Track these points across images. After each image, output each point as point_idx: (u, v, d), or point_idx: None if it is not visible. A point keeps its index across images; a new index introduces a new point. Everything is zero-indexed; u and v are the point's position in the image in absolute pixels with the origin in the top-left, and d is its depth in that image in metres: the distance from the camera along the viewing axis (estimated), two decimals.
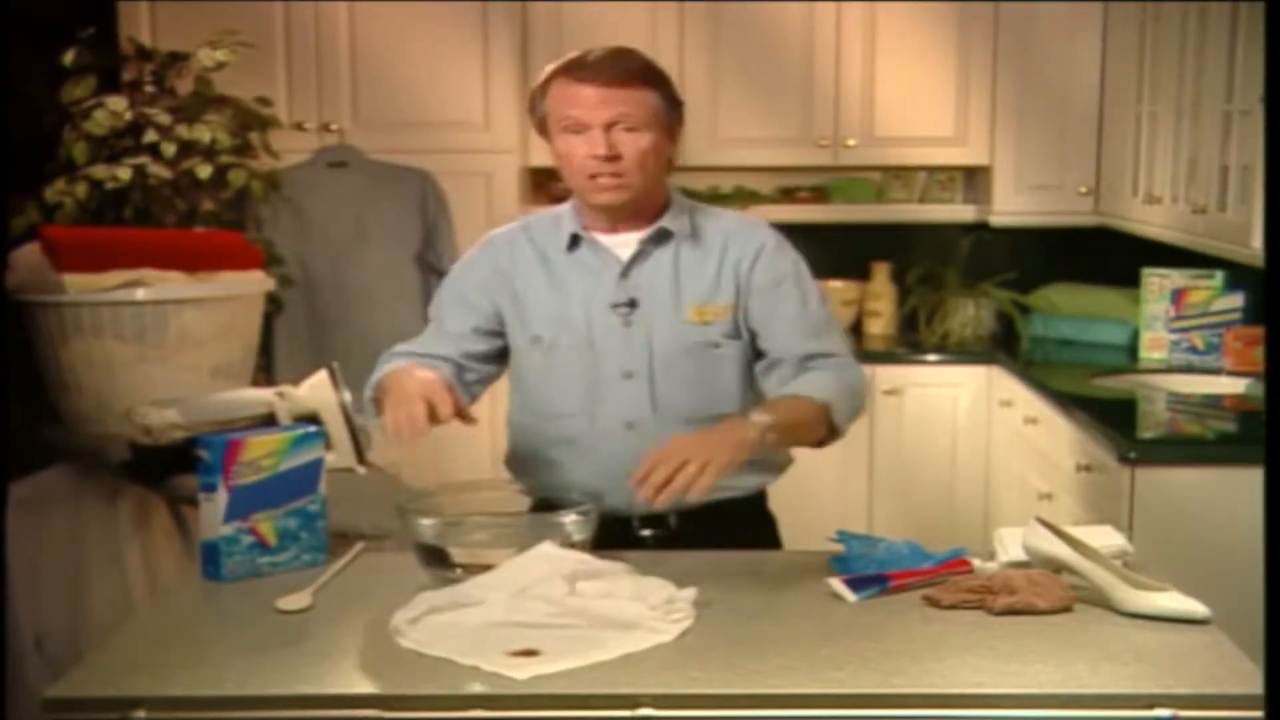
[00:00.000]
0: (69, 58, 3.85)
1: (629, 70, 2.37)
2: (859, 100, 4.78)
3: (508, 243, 2.54)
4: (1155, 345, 4.43)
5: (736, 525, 2.45)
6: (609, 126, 2.34)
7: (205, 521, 2.26)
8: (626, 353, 2.43)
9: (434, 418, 2.22)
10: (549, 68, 2.42)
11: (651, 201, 2.45)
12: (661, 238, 2.45)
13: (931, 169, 5.03)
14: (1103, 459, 3.41)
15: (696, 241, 2.46)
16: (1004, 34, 4.74)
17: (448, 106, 4.57)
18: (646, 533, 2.45)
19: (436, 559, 2.19)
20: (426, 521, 2.22)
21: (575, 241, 2.47)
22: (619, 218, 2.44)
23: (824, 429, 2.40)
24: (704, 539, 2.39)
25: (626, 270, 2.44)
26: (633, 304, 2.43)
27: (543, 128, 2.43)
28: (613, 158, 2.34)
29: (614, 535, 2.36)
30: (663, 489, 2.12)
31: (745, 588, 2.15)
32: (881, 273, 5.05)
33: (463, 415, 2.28)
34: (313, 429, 2.39)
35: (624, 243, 2.45)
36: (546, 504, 2.37)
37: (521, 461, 2.54)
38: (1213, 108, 3.74)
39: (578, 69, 2.36)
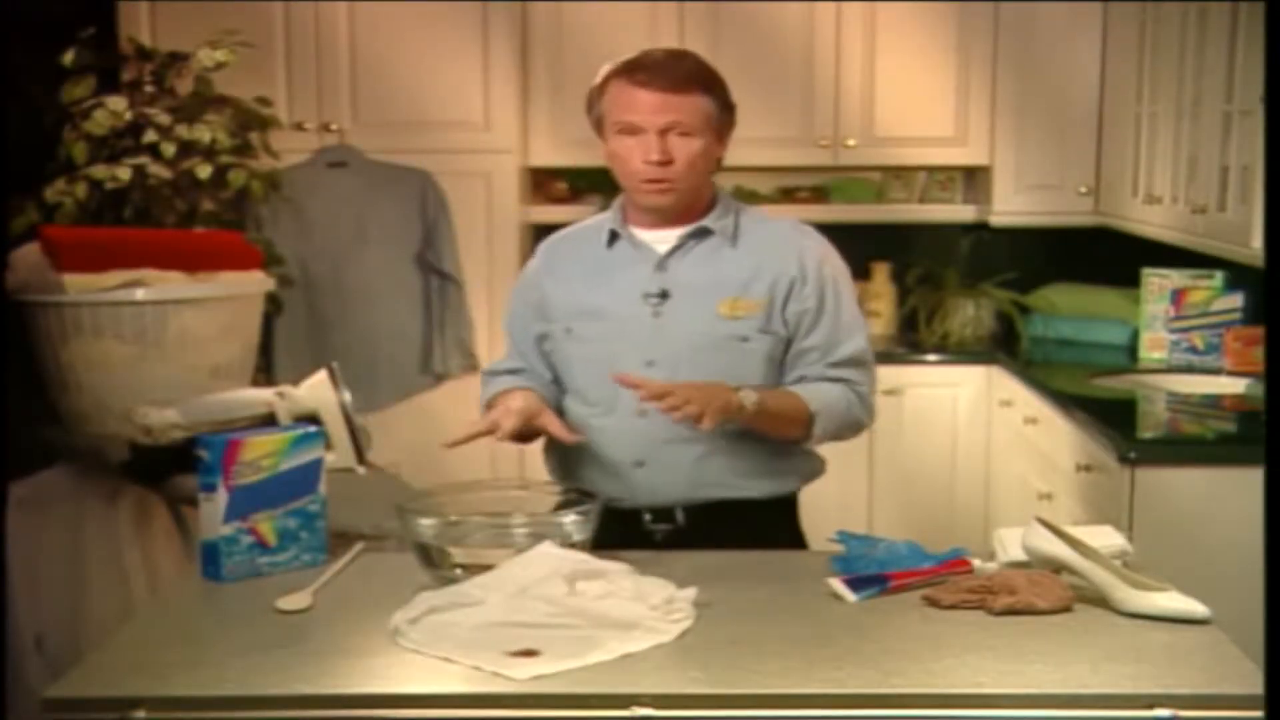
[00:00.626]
0: (69, 58, 3.84)
1: (686, 76, 2.38)
2: (859, 100, 4.78)
3: (548, 247, 2.61)
4: (1155, 345, 4.43)
5: (742, 525, 2.44)
6: (664, 131, 2.36)
7: (205, 521, 2.26)
8: (652, 342, 2.44)
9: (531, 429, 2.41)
10: (606, 67, 2.43)
11: (697, 200, 2.47)
12: (701, 235, 2.47)
13: (931, 169, 5.03)
14: (1103, 459, 3.41)
15: (738, 241, 2.48)
16: (1004, 34, 4.74)
17: (448, 106, 4.57)
18: (657, 527, 2.45)
19: (436, 559, 2.19)
20: (426, 521, 2.22)
21: (614, 238, 2.50)
22: (664, 216, 2.47)
23: (801, 433, 2.45)
24: (708, 537, 2.39)
25: (663, 262, 2.46)
26: (664, 295, 2.45)
27: (599, 126, 2.46)
28: (665, 163, 2.37)
29: (621, 530, 2.37)
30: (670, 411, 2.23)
31: (745, 588, 2.15)
32: (881, 273, 5.05)
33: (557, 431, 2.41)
34: (313, 429, 2.39)
35: (663, 238, 2.48)
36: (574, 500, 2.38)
37: (557, 456, 2.55)
38: (1213, 108, 3.74)
39: (636, 72, 2.38)
